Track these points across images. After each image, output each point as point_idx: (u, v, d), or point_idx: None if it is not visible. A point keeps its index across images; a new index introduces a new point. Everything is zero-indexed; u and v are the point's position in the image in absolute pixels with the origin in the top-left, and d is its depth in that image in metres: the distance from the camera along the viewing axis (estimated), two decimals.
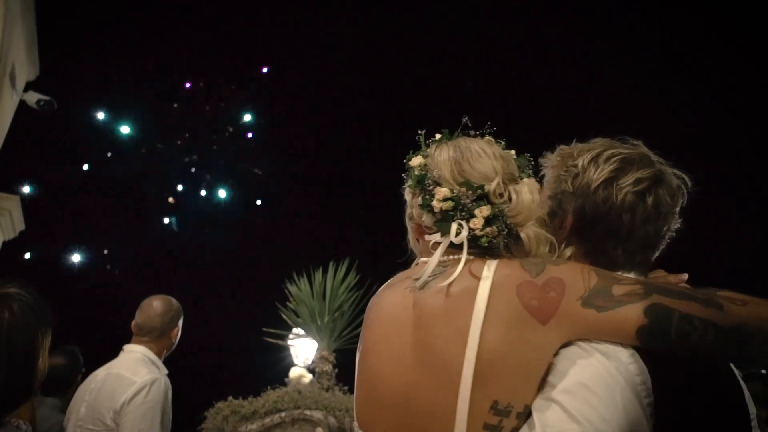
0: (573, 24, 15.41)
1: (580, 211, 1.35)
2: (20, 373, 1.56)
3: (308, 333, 6.04)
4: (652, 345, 1.12)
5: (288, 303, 5.92)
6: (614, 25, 15.05)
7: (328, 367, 5.42)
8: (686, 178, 1.38)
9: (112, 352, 3.25)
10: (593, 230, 1.33)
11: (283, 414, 3.89)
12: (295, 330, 6.35)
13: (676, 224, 1.38)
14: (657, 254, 1.40)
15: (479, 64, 16.26)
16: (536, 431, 1.09)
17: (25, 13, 9.48)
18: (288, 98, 17.86)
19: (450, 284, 1.24)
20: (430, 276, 1.29)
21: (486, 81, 16.11)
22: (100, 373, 3.07)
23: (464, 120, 1.43)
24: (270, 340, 6.32)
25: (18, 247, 10.54)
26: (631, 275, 1.29)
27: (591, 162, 1.35)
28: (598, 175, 1.32)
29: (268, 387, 4.33)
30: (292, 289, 5.87)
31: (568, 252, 1.36)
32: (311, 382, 5.66)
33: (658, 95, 14.71)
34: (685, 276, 1.33)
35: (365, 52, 16.55)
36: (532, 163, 1.43)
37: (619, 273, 1.26)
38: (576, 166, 1.36)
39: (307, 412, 3.91)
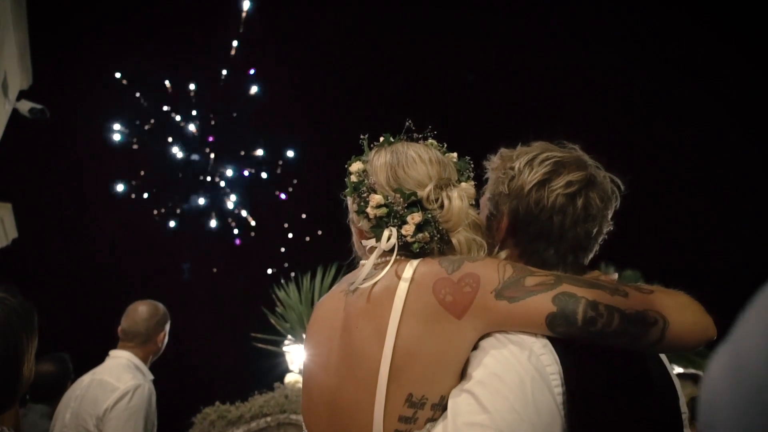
0: (575, 23, 15.51)
1: (514, 213, 1.38)
2: (5, 379, 1.51)
3: (296, 338, 6.06)
4: (562, 332, 1.17)
5: (276, 308, 5.95)
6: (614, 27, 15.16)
7: None
8: (620, 183, 1.41)
9: (103, 358, 3.26)
10: (526, 231, 1.37)
11: (268, 418, 3.92)
12: (290, 337, 6.38)
13: (608, 227, 1.41)
14: (591, 255, 1.43)
15: (479, 57, 16.31)
16: (448, 421, 1.14)
17: (18, 22, 9.52)
18: (279, 100, 17.91)
19: (374, 285, 1.29)
20: (364, 279, 1.32)
21: (486, 74, 16.18)
22: (86, 379, 3.07)
23: (407, 123, 1.45)
24: (261, 345, 6.35)
25: (11, 254, 10.53)
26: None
27: (526, 164, 1.38)
28: (531, 177, 1.36)
29: (256, 392, 4.37)
30: (281, 294, 5.90)
31: (503, 255, 1.40)
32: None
33: (660, 95, 14.80)
34: (616, 276, 1.38)
35: (361, 49, 16.59)
36: (472, 165, 1.46)
37: (536, 268, 1.28)
38: (513, 168, 1.40)
39: (293, 416, 3.95)
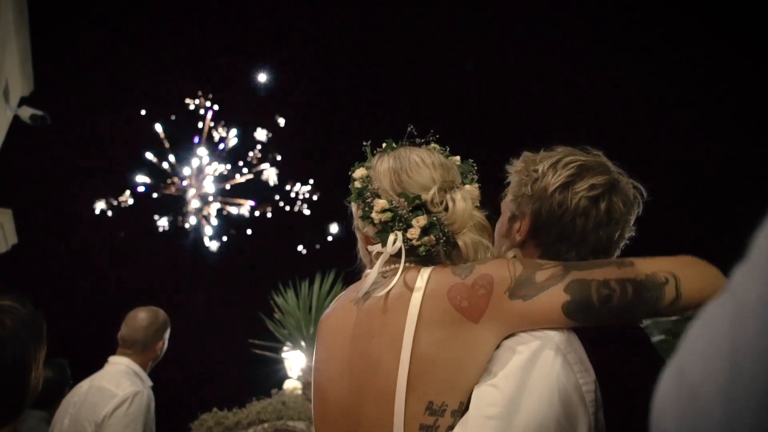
0: (579, 22, 15.50)
1: (536, 214, 1.39)
2: (11, 390, 1.50)
3: (294, 344, 6.08)
4: (581, 318, 1.18)
5: (274, 314, 5.97)
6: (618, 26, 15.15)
7: None
8: (642, 189, 1.43)
9: (102, 365, 3.27)
10: (548, 233, 1.38)
11: (265, 425, 3.93)
12: (289, 344, 6.38)
13: (630, 232, 1.42)
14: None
15: (478, 46, 16.29)
16: (469, 414, 1.14)
17: (19, 29, 9.56)
18: (278, 103, 17.94)
19: (387, 294, 1.28)
20: (372, 287, 1.32)
21: (484, 63, 16.17)
22: (84, 385, 3.07)
23: (409, 128, 1.46)
24: (259, 352, 6.36)
25: (10, 259, 10.55)
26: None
27: (550, 167, 1.40)
28: (555, 179, 1.37)
29: (253, 398, 4.37)
30: (279, 300, 5.91)
31: (510, 254, 1.41)
32: (301, 392, 5.70)
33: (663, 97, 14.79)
34: None
35: (357, 46, 16.58)
36: (475, 168, 1.46)
37: (544, 260, 1.28)
38: (536, 171, 1.41)
39: (290, 423, 3.95)
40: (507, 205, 1.49)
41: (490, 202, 1.48)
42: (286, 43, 17.76)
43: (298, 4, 17.44)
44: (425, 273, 1.27)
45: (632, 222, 1.42)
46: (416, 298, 1.23)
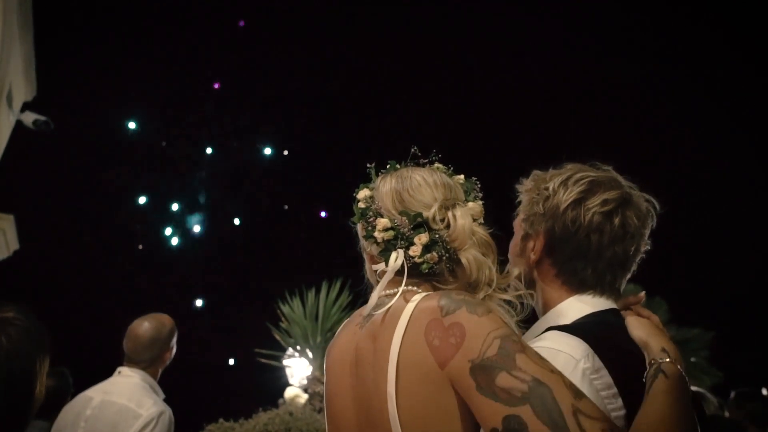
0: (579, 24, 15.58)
1: (550, 232, 1.39)
2: (17, 402, 1.52)
3: (301, 353, 6.03)
4: None
5: (280, 323, 5.94)
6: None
7: (321, 388, 5.39)
8: (655, 202, 1.42)
9: (104, 372, 3.18)
10: (563, 250, 1.37)
11: None
12: (290, 350, 6.34)
13: (645, 246, 1.41)
14: (629, 275, 1.42)
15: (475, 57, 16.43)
16: None
17: (23, 33, 9.57)
18: (281, 109, 18.02)
19: (381, 319, 1.28)
20: (374, 309, 1.33)
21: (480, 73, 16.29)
22: (95, 397, 2.94)
23: (413, 149, 1.47)
24: (264, 361, 6.32)
25: (12, 265, 10.51)
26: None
27: (561, 185, 1.39)
28: (567, 196, 1.36)
29: (260, 409, 4.31)
30: (285, 308, 5.88)
31: (515, 272, 1.39)
32: (306, 402, 5.63)
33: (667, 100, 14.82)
34: (642, 294, 1.38)
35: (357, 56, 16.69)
36: (479, 186, 1.46)
37: (524, 356, 1.11)
38: (547, 189, 1.41)
39: None
40: (519, 225, 1.49)
41: (493, 217, 1.47)
42: (289, 69, 17.85)
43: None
44: (417, 298, 1.26)
45: (647, 236, 1.41)
46: (401, 326, 1.21)
